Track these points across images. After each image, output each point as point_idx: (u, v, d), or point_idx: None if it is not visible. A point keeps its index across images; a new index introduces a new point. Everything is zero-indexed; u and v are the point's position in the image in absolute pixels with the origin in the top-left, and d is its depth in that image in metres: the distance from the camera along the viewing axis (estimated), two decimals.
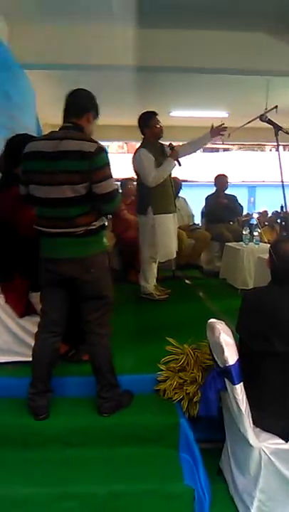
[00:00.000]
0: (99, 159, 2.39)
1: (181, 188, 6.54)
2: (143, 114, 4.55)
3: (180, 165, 4.52)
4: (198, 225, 7.14)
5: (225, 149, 20.52)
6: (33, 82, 5.80)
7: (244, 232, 5.64)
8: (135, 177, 4.72)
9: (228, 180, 6.94)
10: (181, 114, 8.90)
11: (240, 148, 21.26)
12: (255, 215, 7.92)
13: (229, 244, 5.94)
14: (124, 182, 6.42)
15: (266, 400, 2.24)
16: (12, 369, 3.02)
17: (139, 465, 2.44)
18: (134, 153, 4.53)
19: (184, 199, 6.90)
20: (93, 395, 2.68)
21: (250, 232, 5.64)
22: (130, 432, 2.60)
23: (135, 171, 4.55)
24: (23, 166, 2.53)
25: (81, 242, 2.47)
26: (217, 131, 4.57)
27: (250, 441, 2.13)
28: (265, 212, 11.07)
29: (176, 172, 4.91)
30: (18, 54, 4.78)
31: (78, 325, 2.65)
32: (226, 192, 6.87)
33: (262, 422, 2.21)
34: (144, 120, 4.53)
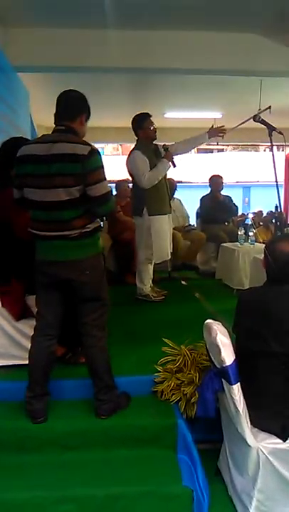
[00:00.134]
0: (92, 162, 2.39)
1: (176, 189, 6.55)
2: (137, 115, 4.55)
3: (175, 166, 4.52)
4: (193, 225, 7.16)
5: (219, 150, 20.59)
6: (28, 85, 5.80)
7: (239, 233, 5.66)
8: (130, 179, 4.73)
9: (223, 181, 6.96)
10: (175, 116, 8.92)
11: (235, 148, 21.33)
12: (250, 216, 7.95)
13: (224, 244, 5.96)
14: (120, 184, 6.43)
15: (263, 400, 2.24)
16: (9, 372, 3.01)
17: (137, 467, 2.44)
18: (128, 155, 4.53)
19: (179, 200, 6.92)
20: (91, 397, 2.68)
21: (246, 233, 5.66)
22: (128, 433, 2.60)
23: (129, 173, 4.55)
24: (16, 170, 2.53)
25: (76, 244, 2.47)
26: (215, 132, 4.58)
27: (248, 441, 2.13)
28: (260, 212, 11.09)
29: (171, 173, 4.93)
30: (11, 56, 4.77)
31: (75, 327, 2.64)
32: (220, 192, 6.88)
33: (259, 422, 2.21)
34: (138, 122, 4.53)
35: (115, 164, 10.91)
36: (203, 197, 6.95)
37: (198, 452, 2.46)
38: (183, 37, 5.22)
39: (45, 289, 2.59)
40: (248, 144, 15.59)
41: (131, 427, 2.62)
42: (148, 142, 4.54)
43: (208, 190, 6.94)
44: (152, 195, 4.43)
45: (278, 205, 4.34)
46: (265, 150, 19.32)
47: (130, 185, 4.96)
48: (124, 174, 4.99)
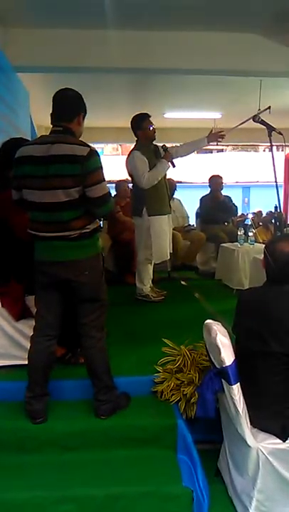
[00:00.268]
0: (91, 163, 2.39)
1: (175, 189, 6.55)
2: (136, 116, 4.55)
3: (174, 166, 4.52)
4: (193, 226, 7.16)
5: (219, 150, 20.59)
6: (27, 85, 5.80)
7: (239, 233, 5.66)
8: (130, 179, 4.73)
9: (223, 181, 6.96)
10: (175, 116, 8.91)
11: (234, 149, 21.33)
12: (250, 216, 7.94)
13: (224, 244, 5.96)
14: (119, 184, 6.43)
15: (263, 400, 2.24)
16: (9, 373, 3.01)
17: (137, 467, 2.44)
18: (128, 156, 4.54)
19: (179, 200, 6.92)
20: (90, 397, 2.68)
21: (245, 233, 5.66)
22: (128, 434, 2.60)
23: (129, 173, 4.55)
24: (14, 171, 2.52)
25: (76, 245, 2.47)
26: (215, 137, 4.61)
27: (248, 442, 2.13)
28: (260, 212, 11.10)
29: (171, 173, 4.93)
30: (11, 56, 4.77)
31: (75, 328, 2.64)
32: (220, 192, 6.88)
33: (259, 422, 2.21)
34: (137, 122, 4.53)
35: (115, 164, 10.90)
36: (202, 197, 6.95)
37: (198, 452, 2.46)
38: (183, 37, 5.22)
39: (45, 289, 2.59)
40: (248, 144, 15.60)
41: (131, 428, 2.62)
42: (147, 142, 4.54)
43: (207, 191, 6.94)
44: (152, 196, 4.43)
45: (278, 205, 4.35)
46: (264, 150, 19.33)
47: (130, 185, 4.96)
48: (123, 174, 4.99)
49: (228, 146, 19.59)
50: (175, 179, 6.50)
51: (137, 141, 4.57)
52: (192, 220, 7.30)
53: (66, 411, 2.72)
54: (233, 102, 8.12)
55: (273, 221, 8.05)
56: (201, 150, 20.43)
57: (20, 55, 4.91)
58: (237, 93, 7.56)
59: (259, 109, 5.11)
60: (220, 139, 4.61)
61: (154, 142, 4.60)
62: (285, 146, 8.96)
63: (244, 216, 8.15)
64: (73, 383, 2.90)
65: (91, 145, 2.47)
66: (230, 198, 7.04)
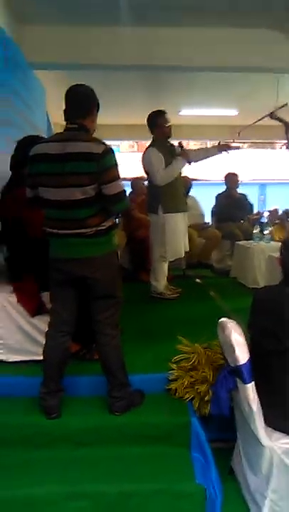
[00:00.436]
0: (107, 160, 2.39)
1: (191, 186, 6.54)
2: (152, 113, 4.55)
3: (190, 163, 4.52)
4: (208, 223, 7.13)
5: (235, 147, 20.43)
6: (44, 82, 5.82)
7: (255, 231, 5.63)
8: (145, 176, 4.73)
9: (239, 179, 6.92)
10: (190, 113, 8.86)
11: (251, 146, 21.16)
12: (266, 213, 7.88)
13: (239, 242, 5.93)
14: (135, 181, 6.43)
15: (278, 399, 2.22)
16: (25, 368, 3.03)
17: (150, 464, 2.44)
18: (144, 152, 4.54)
19: (195, 198, 6.90)
20: (105, 394, 2.68)
21: (261, 231, 5.63)
22: (141, 431, 2.60)
23: (144, 170, 4.55)
24: (29, 169, 2.53)
25: (91, 242, 2.48)
26: (224, 147, 4.70)
27: (262, 441, 2.12)
28: (276, 210, 10.98)
29: (187, 171, 4.91)
30: (27, 53, 4.80)
31: (90, 324, 2.65)
32: (236, 190, 6.85)
33: (274, 422, 2.19)
34: (153, 119, 4.53)
35: (131, 161, 10.90)
36: (218, 195, 6.93)
37: (211, 451, 2.45)
38: (198, 34, 5.20)
39: (60, 286, 2.60)
40: (265, 141, 15.46)
41: (144, 425, 2.62)
42: (163, 139, 4.54)
43: (223, 188, 6.91)
44: (167, 193, 4.43)
45: None
46: (281, 147, 19.13)
47: (146, 182, 4.96)
48: (139, 171, 4.99)
49: (244, 143, 19.43)
50: (191, 177, 6.48)
51: (153, 138, 4.57)
52: (208, 218, 7.27)
53: (80, 407, 2.74)
54: (249, 98, 8.05)
55: None
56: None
57: (36, 51, 4.93)
58: (253, 90, 7.50)
59: (275, 106, 5.07)
60: (228, 150, 4.71)
61: (169, 139, 4.59)
62: None
63: (260, 214, 8.08)
64: (88, 379, 2.91)
65: (106, 142, 2.47)
66: (245, 195, 7.00)
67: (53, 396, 2.62)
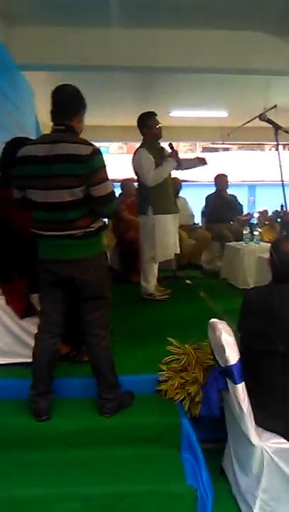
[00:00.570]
0: (95, 162, 2.39)
1: (181, 188, 6.55)
2: (142, 114, 4.56)
3: (180, 165, 4.53)
4: (198, 224, 7.15)
5: (224, 149, 20.53)
6: (33, 83, 5.80)
7: (244, 232, 5.65)
8: (135, 177, 4.73)
9: (228, 180, 6.95)
10: (180, 114, 8.90)
11: (240, 147, 21.26)
12: (256, 215, 7.93)
13: (229, 243, 5.95)
14: (125, 183, 6.43)
15: (268, 400, 2.23)
16: (14, 370, 3.01)
17: (141, 465, 2.43)
18: (134, 153, 4.55)
19: (184, 199, 6.91)
20: (95, 395, 2.67)
21: (251, 232, 5.65)
22: (132, 432, 2.59)
23: (134, 170, 4.55)
24: (17, 171, 2.52)
25: (80, 243, 2.47)
26: (202, 160, 4.83)
27: (253, 441, 2.13)
28: (266, 211, 11.06)
29: (176, 172, 4.93)
30: (16, 55, 4.78)
31: (79, 326, 2.65)
32: (226, 191, 6.87)
33: (264, 422, 2.20)
34: (143, 120, 4.53)
35: (120, 163, 10.89)
36: (208, 196, 6.95)
37: (202, 451, 2.46)
38: (188, 36, 5.22)
39: (49, 287, 2.59)
40: (254, 143, 15.54)
41: (135, 426, 2.61)
42: (154, 141, 4.55)
43: (213, 189, 6.93)
44: (157, 194, 4.43)
45: (284, 204, 4.33)
46: (270, 149, 19.25)
47: (136, 184, 4.97)
48: (129, 173, 4.99)
49: (233, 144, 19.52)
50: (180, 178, 6.49)
51: (143, 139, 4.58)
52: (197, 219, 7.29)
53: (70, 409, 2.72)
54: (239, 100, 8.11)
55: (279, 220, 8.05)
56: (207, 149, 20.47)
57: (25, 53, 4.92)
58: (243, 92, 7.55)
59: (265, 108, 5.10)
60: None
61: (159, 141, 4.60)
62: None
63: (250, 215, 8.13)
64: (78, 381, 2.90)
65: (94, 144, 2.46)
66: (235, 197, 7.03)
67: (43, 398, 2.61)
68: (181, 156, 4.72)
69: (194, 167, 4.94)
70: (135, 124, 4.59)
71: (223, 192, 6.83)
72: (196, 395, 2.66)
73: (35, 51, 5.06)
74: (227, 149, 20.83)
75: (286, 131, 3.92)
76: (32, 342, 2.75)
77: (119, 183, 6.42)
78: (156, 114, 4.53)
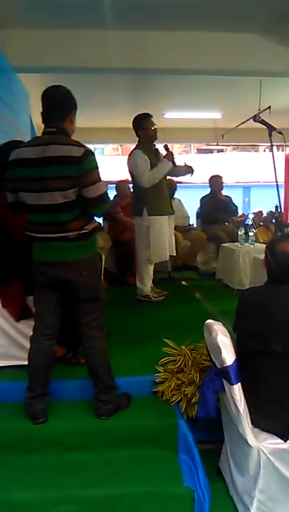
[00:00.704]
0: (87, 163, 2.39)
1: (176, 189, 6.55)
2: (138, 116, 4.56)
3: (175, 166, 4.54)
4: (193, 226, 7.16)
5: (219, 150, 20.58)
6: (27, 85, 5.79)
7: (239, 233, 5.66)
8: (130, 179, 4.73)
9: (223, 181, 6.96)
10: (175, 116, 8.91)
11: (234, 149, 21.31)
12: (250, 216, 7.95)
13: (225, 244, 5.96)
14: (120, 184, 6.43)
15: (264, 400, 2.24)
16: (10, 373, 3.01)
17: (138, 467, 2.43)
18: (129, 155, 4.55)
19: (179, 200, 6.92)
20: (91, 397, 2.67)
21: (246, 233, 5.66)
22: (129, 434, 2.59)
23: (130, 172, 4.56)
24: (9, 174, 2.51)
25: (74, 246, 2.47)
26: (190, 169, 4.81)
27: (249, 442, 2.13)
28: (260, 212, 11.09)
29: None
30: (10, 57, 4.77)
31: (75, 328, 2.64)
32: (221, 193, 6.89)
33: (260, 422, 2.21)
34: (139, 122, 4.54)
35: (115, 165, 10.90)
36: (203, 197, 6.96)
37: (199, 452, 2.46)
38: (182, 37, 5.22)
39: (44, 289, 2.58)
40: (248, 144, 15.59)
41: (132, 428, 2.62)
42: (149, 142, 4.55)
43: (208, 191, 6.95)
44: (152, 196, 4.44)
45: (278, 205, 4.35)
46: (265, 150, 19.31)
47: (130, 185, 4.97)
48: (124, 175, 4.99)
49: (228, 146, 19.57)
50: (175, 179, 6.51)
51: (138, 141, 4.58)
52: (192, 220, 7.30)
53: (67, 411, 2.72)
54: (233, 102, 8.13)
55: (274, 221, 8.07)
56: (202, 150, 20.51)
57: (20, 55, 4.91)
58: (237, 93, 7.57)
59: (259, 109, 5.12)
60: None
61: (154, 142, 4.61)
62: (286, 146, 8.97)
63: (245, 216, 8.15)
64: (74, 383, 2.90)
65: (86, 145, 2.45)
66: (230, 198, 7.04)
67: (39, 400, 2.60)
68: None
69: (181, 175, 4.97)
70: (130, 125, 4.60)
71: (217, 193, 6.84)
72: (193, 396, 2.67)
73: (29, 53, 5.05)
74: (221, 150, 20.89)
75: (280, 132, 3.93)
76: (28, 344, 2.75)
77: (114, 185, 6.43)
78: (151, 116, 4.54)
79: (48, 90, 2.54)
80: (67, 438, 2.57)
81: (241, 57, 5.33)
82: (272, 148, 4.02)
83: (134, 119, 4.57)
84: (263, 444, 2.14)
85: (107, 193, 2.53)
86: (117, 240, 5.82)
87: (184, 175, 4.91)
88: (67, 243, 2.46)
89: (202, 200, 6.94)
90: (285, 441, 2.16)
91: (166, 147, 4.62)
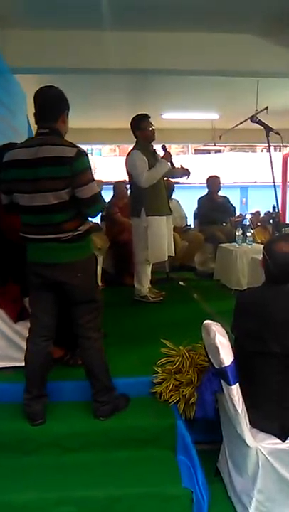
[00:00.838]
0: (80, 163, 2.39)
1: (173, 190, 6.56)
2: (135, 116, 4.57)
3: (174, 167, 4.55)
4: (191, 226, 7.16)
5: (216, 151, 20.60)
6: (25, 86, 5.79)
7: (237, 233, 5.67)
8: (128, 180, 4.73)
9: (221, 182, 6.97)
10: (172, 117, 8.91)
11: (232, 149, 21.33)
12: (248, 216, 7.94)
13: (222, 245, 5.96)
14: (117, 185, 6.43)
15: (262, 400, 2.24)
16: (7, 374, 3.00)
17: (136, 468, 2.43)
18: (127, 155, 4.55)
19: (177, 201, 6.93)
20: (90, 399, 2.67)
21: (243, 233, 5.66)
22: (127, 435, 2.59)
23: (128, 172, 4.56)
24: (3, 176, 2.51)
25: (68, 247, 2.47)
26: (186, 171, 4.81)
27: (247, 442, 2.13)
28: (258, 212, 11.09)
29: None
30: (8, 58, 4.76)
31: (72, 329, 2.64)
32: (218, 193, 6.90)
33: (258, 423, 2.21)
34: (137, 122, 4.55)
35: (112, 165, 10.89)
36: (200, 198, 6.96)
37: (197, 453, 2.46)
38: (179, 38, 5.22)
39: (39, 290, 2.58)
40: (245, 144, 15.61)
41: (130, 429, 2.62)
42: (147, 143, 4.56)
43: (205, 191, 6.95)
44: (150, 196, 4.44)
45: (276, 205, 4.35)
46: (262, 151, 19.33)
47: (128, 186, 4.97)
48: (121, 175, 4.99)
49: (225, 146, 19.59)
50: (173, 180, 6.51)
51: (136, 141, 4.59)
52: (190, 221, 7.30)
53: (65, 412, 2.72)
54: (230, 102, 8.13)
55: (271, 221, 8.07)
56: (199, 151, 20.52)
57: (18, 56, 4.89)
58: (234, 94, 7.57)
59: (256, 110, 5.12)
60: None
61: (152, 143, 4.61)
62: (283, 146, 8.98)
63: (242, 216, 8.14)
64: (72, 384, 2.89)
65: (84, 146, 2.45)
66: (228, 198, 7.05)
67: (37, 402, 2.60)
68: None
69: (178, 177, 4.97)
70: (128, 126, 4.60)
71: (215, 194, 6.85)
72: (191, 397, 2.67)
73: (27, 54, 5.04)
74: (219, 151, 20.91)
75: (277, 133, 3.94)
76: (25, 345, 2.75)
77: (111, 186, 6.43)
78: (149, 117, 4.55)
79: (41, 91, 2.55)
80: (65, 439, 2.57)
81: (240, 57, 5.33)
82: (269, 148, 4.03)
83: (132, 119, 4.57)
84: (262, 444, 2.15)
85: (100, 193, 2.52)
86: (115, 240, 5.82)
87: (181, 177, 4.92)
88: (61, 244, 2.45)
89: (200, 200, 6.95)
90: (284, 441, 2.16)
91: (164, 148, 4.63)
